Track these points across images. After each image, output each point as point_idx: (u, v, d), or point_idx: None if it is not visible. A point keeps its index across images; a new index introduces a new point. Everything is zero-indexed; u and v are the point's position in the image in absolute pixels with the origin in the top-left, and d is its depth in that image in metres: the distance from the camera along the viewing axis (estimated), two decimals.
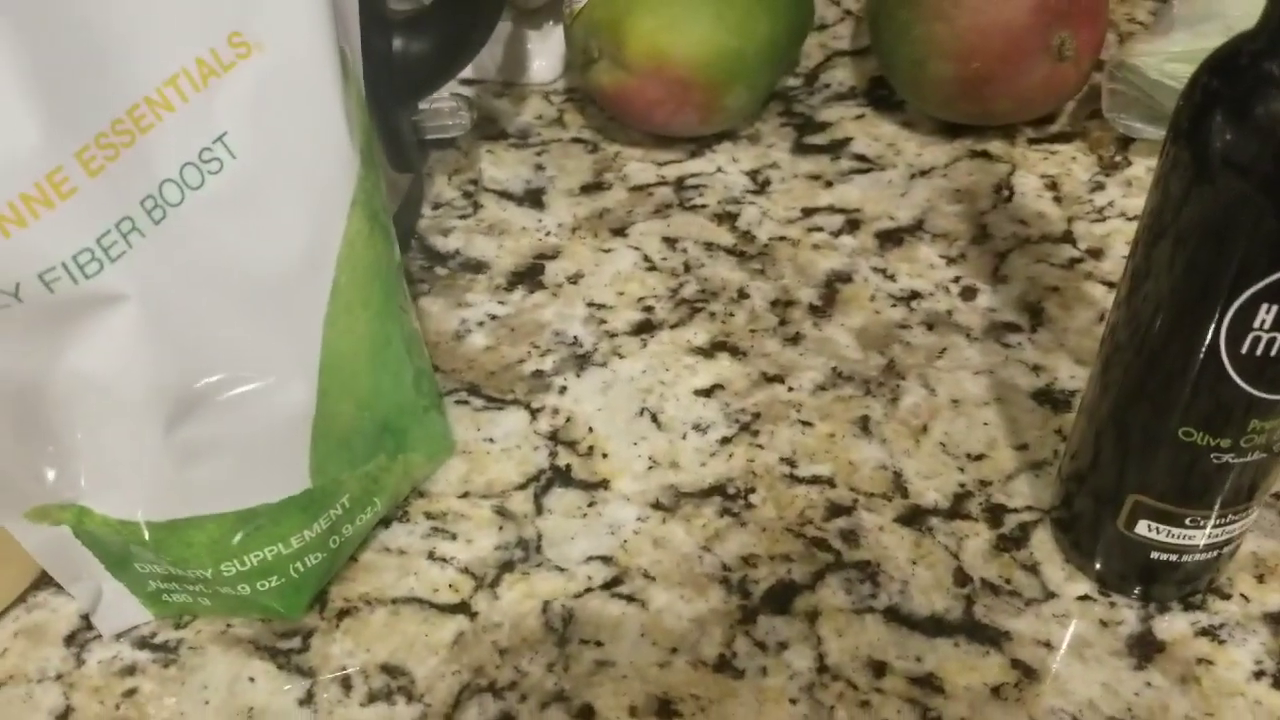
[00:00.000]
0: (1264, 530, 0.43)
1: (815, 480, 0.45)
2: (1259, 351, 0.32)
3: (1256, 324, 0.31)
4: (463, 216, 0.57)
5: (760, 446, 0.46)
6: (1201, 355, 0.33)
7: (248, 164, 0.35)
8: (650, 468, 0.46)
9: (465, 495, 0.45)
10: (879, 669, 0.39)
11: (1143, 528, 0.38)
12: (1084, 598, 0.41)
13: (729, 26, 0.56)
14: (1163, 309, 0.33)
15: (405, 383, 0.42)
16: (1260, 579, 0.41)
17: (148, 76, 0.33)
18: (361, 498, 0.40)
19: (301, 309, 0.36)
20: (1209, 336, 0.32)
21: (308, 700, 0.39)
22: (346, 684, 0.39)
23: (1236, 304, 0.31)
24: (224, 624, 0.41)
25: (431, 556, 0.43)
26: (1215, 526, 0.37)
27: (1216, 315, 0.32)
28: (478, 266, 0.54)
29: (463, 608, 0.41)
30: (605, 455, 0.46)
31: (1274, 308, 0.31)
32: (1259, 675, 0.39)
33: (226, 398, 0.36)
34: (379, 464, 0.41)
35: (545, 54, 0.65)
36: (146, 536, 0.37)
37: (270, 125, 0.35)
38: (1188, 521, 0.37)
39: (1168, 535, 0.37)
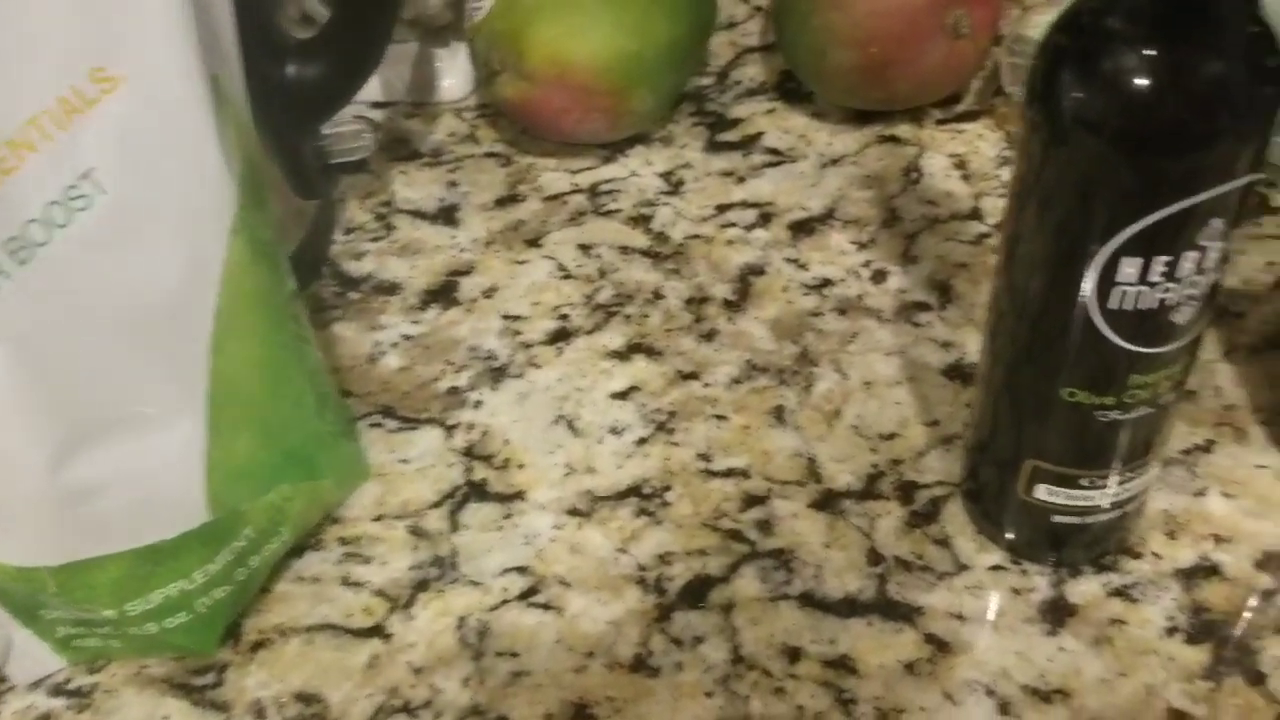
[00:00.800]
0: (1174, 487, 0.43)
1: (730, 473, 0.45)
2: (1128, 306, 0.32)
3: (1122, 279, 0.31)
4: (375, 239, 0.57)
5: (676, 444, 0.46)
6: (1075, 315, 0.33)
7: (118, 198, 0.35)
8: (567, 475, 0.46)
9: (379, 518, 0.44)
10: (793, 655, 0.39)
11: (1042, 492, 0.38)
12: (996, 568, 0.41)
13: (627, 30, 0.56)
14: (1036, 272, 0.33)
15: (308, 411, 0.42)
16: (1171, 536, 0.41)
17: (7, 119, 0.33)
18: (267, 528, 0.40)
19: (184, 340, 0.36)
20: (1080, 295, 0.32)
21: None
22: (261, 715, 0.39)
23: (1101, 260, 0.31)
24: (138, 665, 0.41)
25: (345, 582, 0.42)
26: (1116, 485, 0.37)
27: (1084, 273, 0.32)
28: (391, 288, 0.54)
29: (377, 630, 0.41)
30: (521, 466, 0.46)
31: (1137, 260, 0.31)
32: (1172, 632, 0.39)
33: (112, 436, 0.35)
34: (283, 493, 0.40)
35: (454, 72, 0.65)
36: (49, 582, 0.37)
37: (140, 158, 0.35)
38: (1084, 483, 0.37)
39: (1067, 498, 0.37)
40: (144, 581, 0.37)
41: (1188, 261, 0.30)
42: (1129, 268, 0.31)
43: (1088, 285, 0.32)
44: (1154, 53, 0.28)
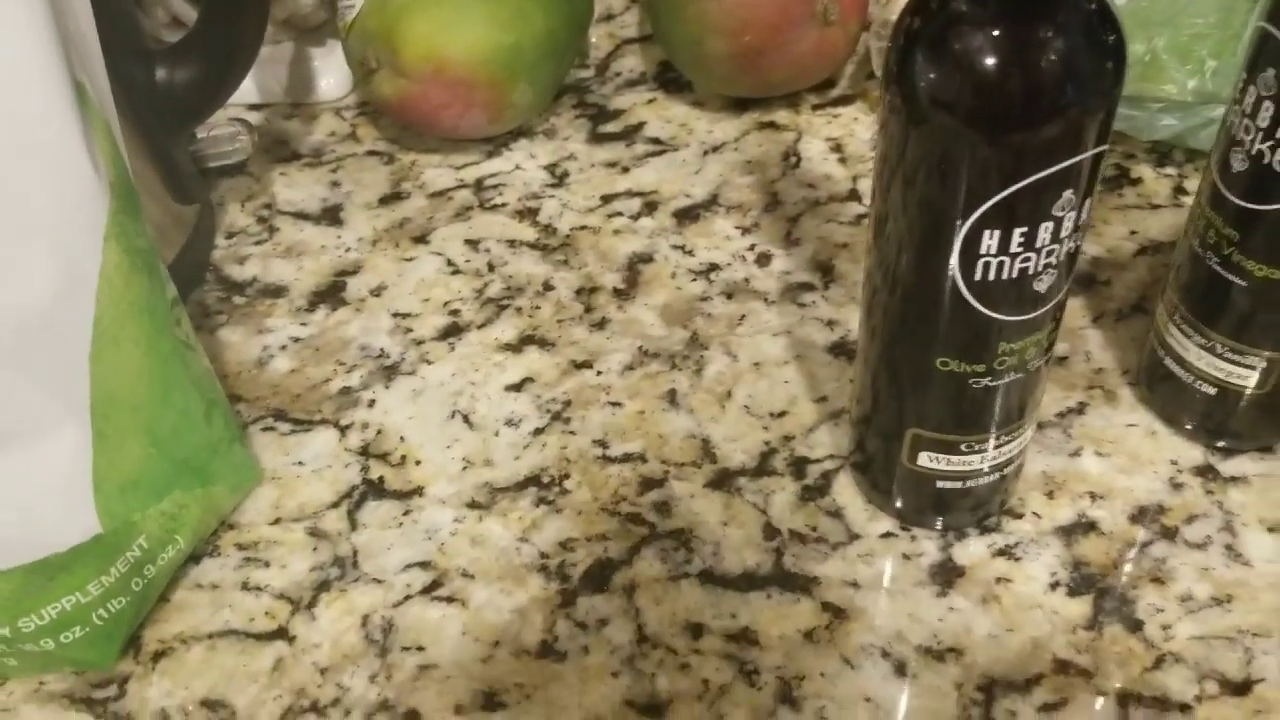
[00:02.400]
0: (1050, 449, 0.45)
1: (627, 458, 0.46)
2: (991, 276, 0.33)
3: (983, 250, 0.33)
4: (258, 242, 0.56)
5: (572, 433, 0.47)
6: (943, 287, 0.34)
7: None
8: (465, 468, 0.46)
9: (276, 521, 0.44)
10: (696, 631, 0.40)
11: (924, 459, 0.39)
12: (887, 535, 0.42)
13: (502, 23, 0.56)
14: (904, 249, 0.35)
15: (196, 418, 0.41)
16: (1050, 495, 0.43)
17: None
18: (162, 537, 0.40)
19: (63, 353, 0.36)
20: (946, 268, 0.33)
21: None
22: None
23: (963, 234, 0.32)
24: (37, 682, 0.40)
25: (245, 587, 0.42)
26: (994, 449, 0.39)
27: (948, 246, 0.33)
28: (277, 291, 0.54)
29: (280, 633, 0.41)
30: (419, 462, 0.46)
31: (996, 232, 0.32)
32: (1054, 586, 0.41)
33: None
34: (176, 501, 0.40)
35: (331, 71, 0.64)
36: None
37: (2, 174, 0.34)
38: (964, 448, 0.38)
39: (948, 464, 0.39)
40: (37, 597, 0.37)
41: (1044, 231, 0.32)
42: (989, 240, 0.32)
43: (953, 259, 0.33)
44: (999, 32, 0.30)
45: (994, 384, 0.36)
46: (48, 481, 0.36)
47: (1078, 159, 0.31)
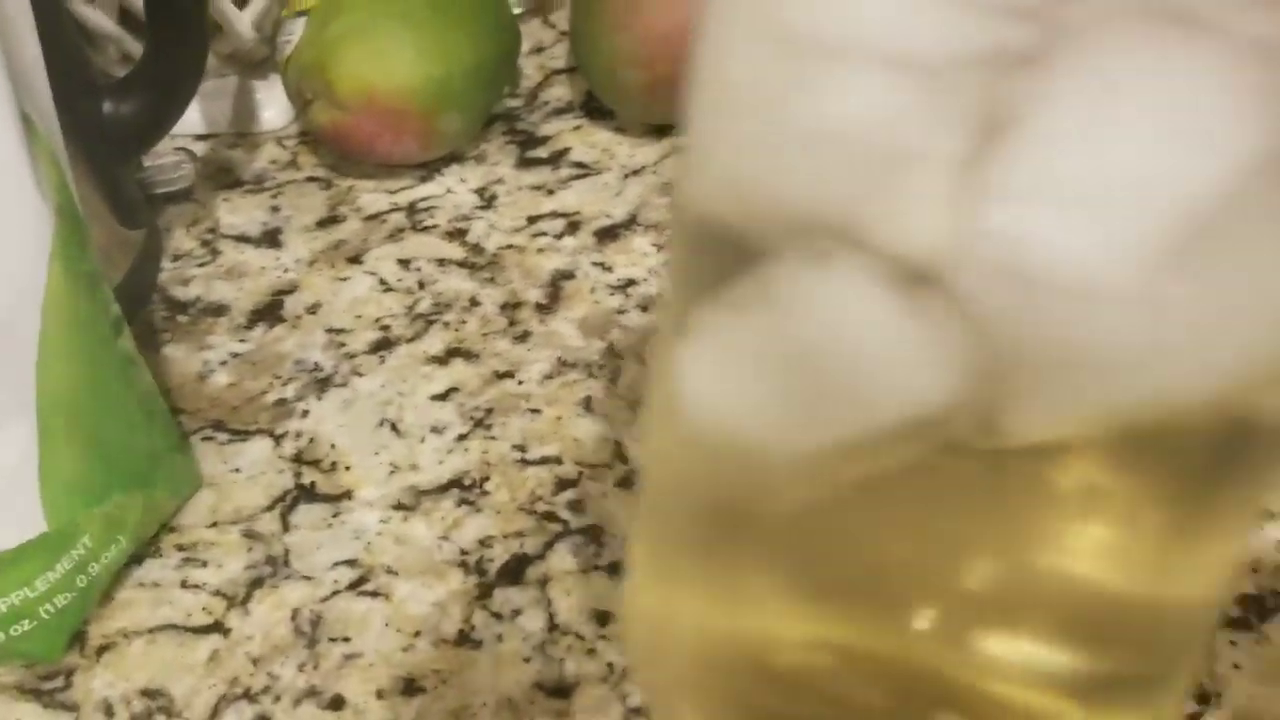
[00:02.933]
0: None
1: (544, 460, 0.49)
2: None
3: None
4: (202, 264, 0.59)
5: (494, 438, 0.50)
6: None
7: None
8: (391, 473, 0.49)
9: (214, 524, 0.47)
10: (603, 618, 0.43)
11: None
12: None
13: (432, 56, 0.59)
14: None
15: (138, 429, 0.44)
16: None
17: None
18: (104, 536, 0.43)
19: (10, 359, 0.38)
20: None
21: None
22: (109, 712, 0.41)
23: None
24: None
25: (184, 585, 0.45)
26: None
27: None
28: (218, 310, 0.57)
29: (216, 627, 0.44)
30: (348, 468, 0.49)
31: None
32: None
33: None
34: (118, 503, 0.43)
35: (273, 102, 0.68)
36: None
37: None
38: None
39: None
40: None
41: None
42: None
43: None
44: None
45: None
46: (1, 477, 0.39)
47: None
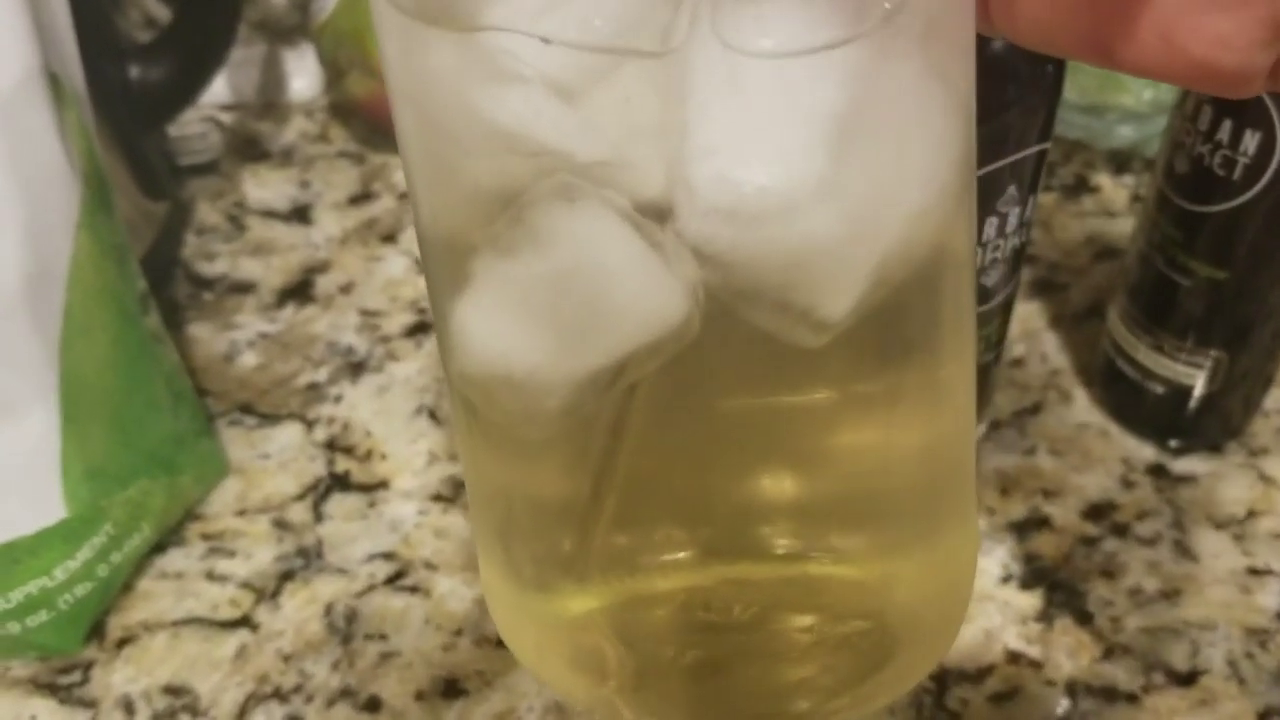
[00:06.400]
0: (1005, 448, 0.46)
1: None
2: None
3: None
4: (228, 240, 0.57)
5: None
6: None
7: None
8: (430, 463, 0.46)
9: (242, 512, 0.45)
10: None
11: None
12: None
13: None
14: None
15: (163, 410, 0.42)
16: (1004, 492, 0.44)
17: None
18: (127, 524, 0.40)
19: (34, 333, 0.36)
20: None
21: None
22: (130, 709, 0.39)
23: None
24: (2, 668, 0.40)
25: (210, 576, 0.43)
26: None
27: None
28: (245, 288, 0.54)
29: (244, 621, 0.41)
30: (384, 457, 0.47)
31: None
32: (1007, 579, 0.42)
33: None
34: (142, 489, 0.40)
35: (303, 72, 0.65)
36: None
37: None
38: None
39: None
40: (3, 579, 0.37)
41: (990, 227, 0.33)
42: None
43: None
44: None
45: None
46: (17, 462, 0.36)
47: (1020, 155, 0.32)
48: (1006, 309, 0.36)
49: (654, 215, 0.18)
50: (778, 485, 0.23)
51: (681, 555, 0.24)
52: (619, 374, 0.20)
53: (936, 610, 0.26)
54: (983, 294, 0.35)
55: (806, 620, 0.25)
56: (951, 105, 0.20)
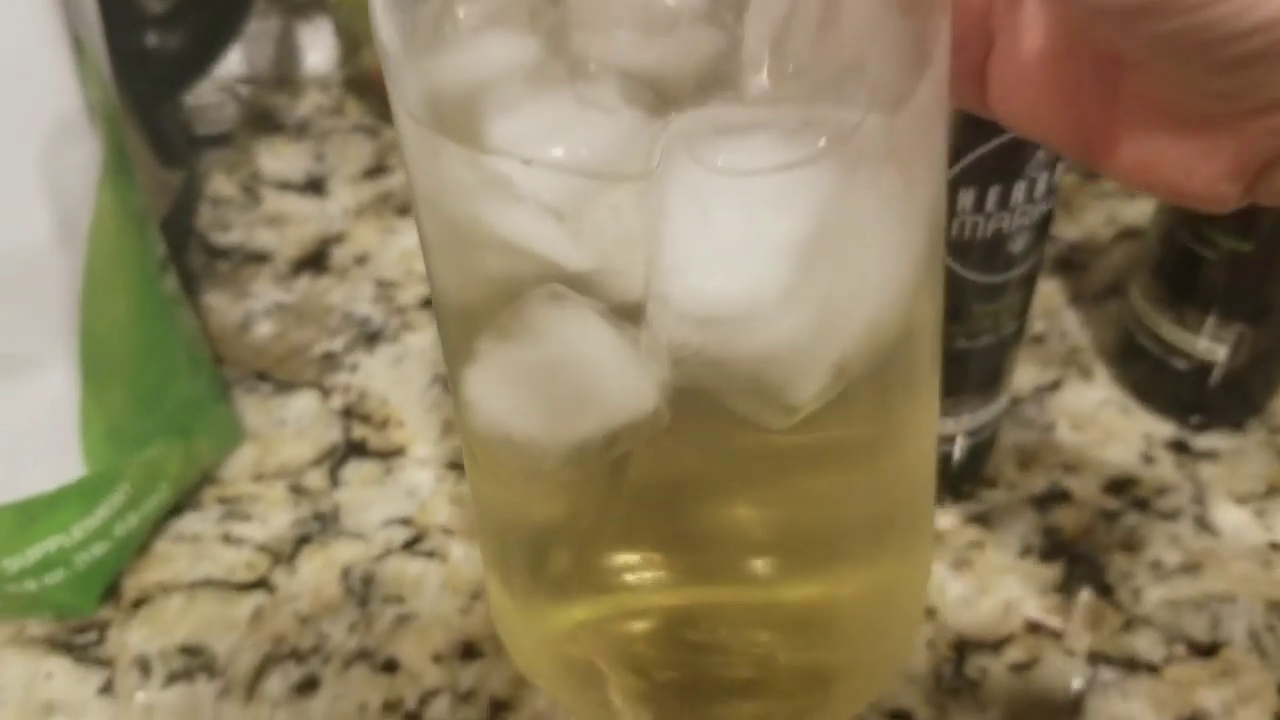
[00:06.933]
0: (1025, 424, 0.45)
1: None
2: (967, 235, 0.34)
3: (961, 209, 0.33)
4: (243, 211, 0.57)
5: None
6: None
7: None
8: (446, 431, 0.46)
9: (259, 478, 0.44)
10: None
11: None
12: None
13: None
14: None
15: (181, 373, 0.42)
16: (1024, 466, 0.44)
17: None
18: (144, 485, 0.40)
19: (56, 290, 0.36)
20: None
21: (107, 689, 0.38)
22: (146, 669, 0.39)
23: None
24: (19, 627, 0.40)
25: (226, 539, 0.42)
26: (968, 415, 0.39)
27: None
28: (260, 258, 0.54)
29: (261, 584, 0.41)
30: (401, 424, 0.47)
31: (972, 191, 0.33)
32: (1027, 552, 0.41)
33: None
34: (159, 450, 0.40)
35: (319, 45, 0.65)
36: None
37: (2, 113, 0.35)
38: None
39: None
40: (21, 536, 0.37)
41: (1019, 191, 0.33)
42: (966, 198, 0.33)
43: None
44: None
45: (969, 346, 0.37)
46: (37, 418, 0.36)
47: None
48: (1031, 279, 0.36)
49: (637, 317, 0.21)
50: (743, 524, 0.26)
51: (654, 580, 0.27)
52: (609, 445, 0.22)
53: (884, 639, 0.28)
54: (1009, 261, 0.35)
55: (762, 638, 0.27)
56: (914, 211, 0.21)
